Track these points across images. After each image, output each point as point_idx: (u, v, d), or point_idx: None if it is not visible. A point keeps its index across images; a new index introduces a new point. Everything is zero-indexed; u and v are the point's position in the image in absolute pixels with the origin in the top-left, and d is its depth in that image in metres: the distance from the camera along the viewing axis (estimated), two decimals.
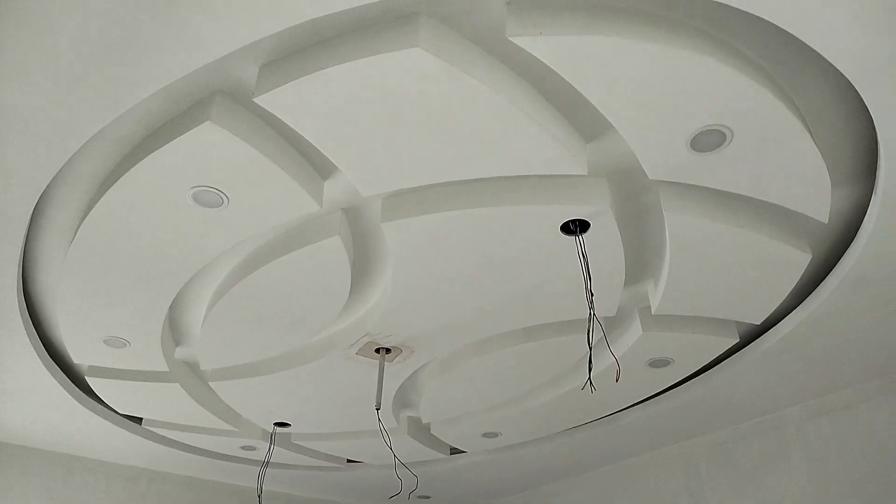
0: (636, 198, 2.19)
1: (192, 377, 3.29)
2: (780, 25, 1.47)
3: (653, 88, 1.65)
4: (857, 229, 2.26)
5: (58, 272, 2.47)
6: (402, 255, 2.26)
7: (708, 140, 1.81)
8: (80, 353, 2.89)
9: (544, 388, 3.36)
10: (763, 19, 1.51)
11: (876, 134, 1.80)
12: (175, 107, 1.82)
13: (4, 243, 2.18)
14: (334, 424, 3.70)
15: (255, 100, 1.68)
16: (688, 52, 1.57)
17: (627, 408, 3.58)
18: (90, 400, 3.44)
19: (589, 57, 1.57)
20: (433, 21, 1.59)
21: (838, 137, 1.99)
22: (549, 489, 4.79)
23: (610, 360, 2.85)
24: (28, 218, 2.07)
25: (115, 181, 1.94)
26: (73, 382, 3.31)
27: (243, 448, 4.02)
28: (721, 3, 1.50)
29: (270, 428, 3.70)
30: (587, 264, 2.20)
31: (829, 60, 1.56)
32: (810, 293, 2.59)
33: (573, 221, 2.10)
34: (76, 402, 3.33)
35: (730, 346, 2.90)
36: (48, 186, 2.04)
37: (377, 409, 2.92)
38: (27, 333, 2.70)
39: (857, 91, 1.66)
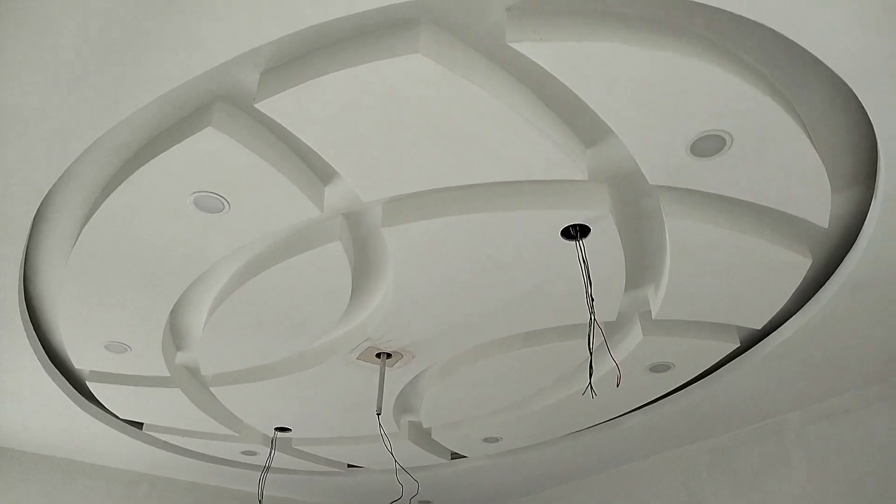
0: (636, 203, 2.19)
1: (193, 382, 3.29)
2: (775, 28, 1.47)
3: (652, 93, 1.66)
4: (858, 234, 2.26)
5: (59, 277, 2.47)
6: (402, 260, 2.26)
7: (708, 145, 1.82)
8: (81, 358, 2.89)
9: (545, 393, 3.36)
10: (762, 24, 1.51)
11: (875, 138, 1.81)
12: (176, 112, 1.83)
13: (6, 247, 2.18)
14: (335, 429, 3.70)
15: (256, 105, 1.69)
16: (687, 57, 1.58)
17: (628, 412, 3.57)
18: (91, 405, 3.44)
19: (589, 62, 1.58)
20: (433, 27, 1.59)
21: (838, 142, 1.99)
22: (550, 494, 4.78)
23: (610, 364, 2.85)
24: (30, 222, 2.08)
25: (117, 186, 1.94)
26: (74, 387, 3.31)
27: (244, 453, 4.02)
28: (720, 9, 1.50)
29: (271, 433, 3.70)
30: (587, 269, 2.20)
31: (825, 62, 1.55)
32: (811, 298, 2.59)
33: (573, 226, 2.10)
34: (77, 407, 3.33)
35: (730, 351, 2.90)
36: (50, 191, 2.04)
37: (378, 414, 2.92)
38: (28, 338, 2.70)
39: (856, 95, 1.67)
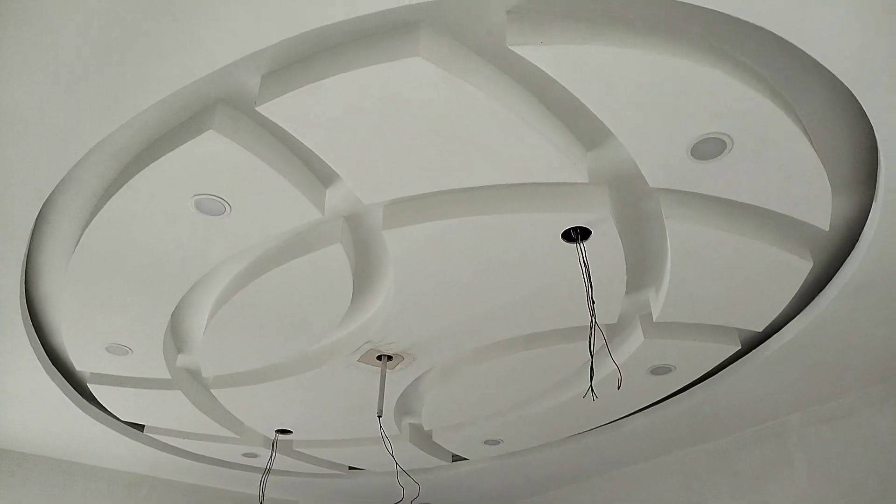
0: (637, 205, 2.19)
1: (194, 384, 3.29)
2: (770, 29, 1.47)
3: (652, 96, 1.66)
4: (859, 236, 2.26)
5: (60, 279, 2.47)
6: (403, 263, 2.26)
7: (708, 148, 1.82)
8: (82, 361, 2.89)
9: (546, 396, 3.36)
10: (761, 28, 1.51)
11: (875, 139, 1.81)
12: (178, 116, 1.83)
13: (7, 249, 2.19)
14: (336, 431, 3.70)
15: (257, 109, 1.69)
16: (688, 60, 1.58)
17: (629, 415, 3.57)
18: (92, 407, 3.44)
19: (589, 66, 1.58)
20: (434, 30, 1.60)
21: (838, 144, 1.99)
22: (551, 496, 4.78)
23: (611, 367, 2.85)
24: (31, 224, 2.08)
25: (119, 189, 1.95)
26: (75, 389, 3.31)
27: (245, 455, 4.01)
28: (719, 12, 1.50)
29: (272, 435, 3.70)
30: (588, 271, 2.20)
31: (822, 62, 1.55)
32: (812, 300, 2.59)
33: (574, 229, 2.11)
34: (78, 409, 3.33)
35: (731, 354, 2.90)
36: (52, 193, 2.05)
37: (379, 417, 2.92)
38: (29, 340, 2.70)
39: (855, 97, 1.67)
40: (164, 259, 2.23)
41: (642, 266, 2.49)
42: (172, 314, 2.62)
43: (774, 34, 1.53)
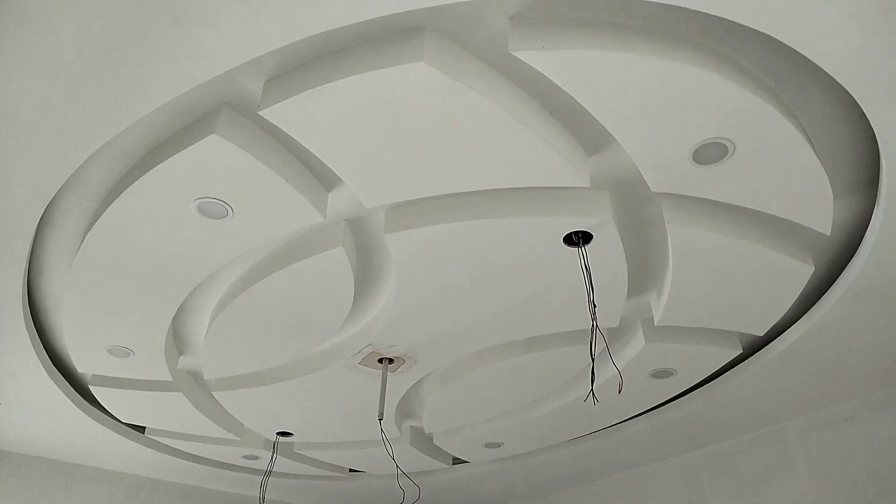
0: (638, 209, 2.20)
1: (196, 387, 3.30)
2: (767, 32, 1.47)
3: (655, 101, 1.66)
4: (860, 241, 2.26)
5: (63, 281, 2.48)
6: (405, 266, 2.27)
7: (710, 153, 1.82)
8: (83, 362, 2.90)
9: (547, 399, 3.36)
10: (761, 32, 1.51)
11: (877, 142, 1.81)
12: (181, 119, 1.84)
13: (10, 252, 2.19)
14: (337, 434, 3.70)
15: (260, 113, 1.70)
16: (689, 65, 1.58)
17: (630, 418, 3.57)
18: (93, 409, 3.44)
19: (591, 71, 1.59)
20: (437, 36, 1.60)
21: (840, 149, 1.99)
22: (552, 499, 4.78)
23: (612, 371, 2.85)
24: (34, 226, 2.08)
25: (122, 192, 1.95)
26: (77, 391, 3.31)
27: (246, 457, 4.02)
28: (719, 17, 1.50)
29: (273, 437, 3.70)
30: (590, 275, 2.20)
31: (819, 65, 1.55)
32: (813, 304, 2.59)
33: (576, 233, 2.11)
34: (79, 411, 3.34)
35: (733, 358, 2.90)
36: (55, 196, 2.05)
37: (380, 419, 2.92)
38: (31, 342, 2.71)
39: (856, 102, 1.67)
40: (167, 262, 2.23)
41: (644, 270, 2.49)
42: (174, 316, 2.63)
43: (775, 39, 1.53)
